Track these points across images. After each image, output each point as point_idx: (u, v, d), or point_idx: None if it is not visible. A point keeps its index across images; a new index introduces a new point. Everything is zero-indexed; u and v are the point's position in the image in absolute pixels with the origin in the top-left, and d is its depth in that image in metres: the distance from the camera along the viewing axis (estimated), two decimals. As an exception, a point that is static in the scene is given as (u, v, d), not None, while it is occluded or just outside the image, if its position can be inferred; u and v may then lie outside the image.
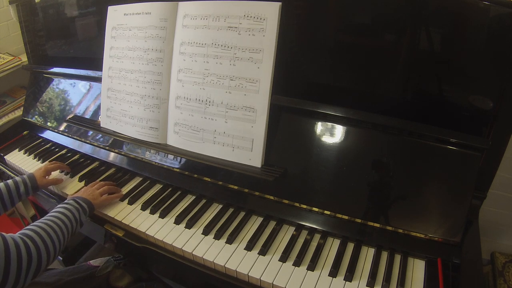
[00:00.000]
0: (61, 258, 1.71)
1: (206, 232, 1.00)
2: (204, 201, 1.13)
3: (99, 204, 1.08)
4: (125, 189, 1.20)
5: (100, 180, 1.25)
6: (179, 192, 1.16)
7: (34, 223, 0.87)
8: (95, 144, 1.35)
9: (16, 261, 0.74)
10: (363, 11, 0.97)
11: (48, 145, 1.50)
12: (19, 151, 1.49)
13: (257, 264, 0.90)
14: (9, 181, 1.10)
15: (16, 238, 0.77)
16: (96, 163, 1.35)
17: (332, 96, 1.03)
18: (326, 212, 0.98)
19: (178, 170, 1.16)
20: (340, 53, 1.03)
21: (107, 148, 1.32)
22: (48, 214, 0.93)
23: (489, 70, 0.89)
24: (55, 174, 1.29)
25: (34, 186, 1.15)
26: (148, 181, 1.22)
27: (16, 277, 0.73)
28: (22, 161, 1.42)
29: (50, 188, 1.26)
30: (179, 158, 1.16)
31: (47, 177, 1.21)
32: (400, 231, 0.91)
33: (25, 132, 1.60)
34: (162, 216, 1.07)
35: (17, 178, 1.13)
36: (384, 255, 0.92)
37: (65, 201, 1.01)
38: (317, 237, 0.98)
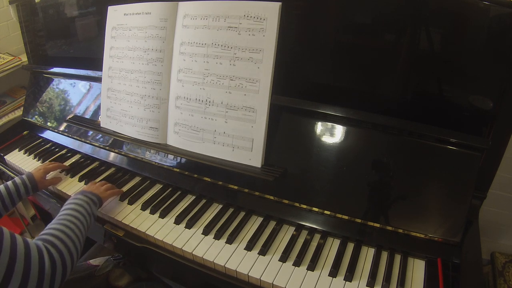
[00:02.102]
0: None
1: (206, 232, 1.00)
2: (204, 201, 1.13)
3: (106, 198, 1.08)
4: (125, 189, 1.19)
5: (100, 180, 1.25)
6: (179, 192, 1.16)
7: (52, 226, 0.84)
8: (95, 144, 1.35)
9: (38, 268, 0.70)
10: (363, 11, 0.97)
11: (48, 145, 1.50)
12: (19, 151, 1.49)
13: (257, 264, 0.90)
14: (9, 183, 1.10)
15: (39, 245, 0.73)
16: (96, 163, 1.35)
17: (332, 96, 1.03)
18: (326, 212, 0.98)
19: (178, 170, 1.16)
20: (340, 53, 1.03)
21: (107, 148, 1.32)
22: (62, 213, 0.90)
23: (489, 70, 0.89)
24: (54, 173, 1.29)
25: (34, 186, 1.15)
26: (148, 181, 1.22)
27: (38, 285, 0.69)
28: (22, 161, 1.42)
29: (50, 188, 1.26)
30: (179, 158, 1.16)
31: (46, 177, 1.21)
32: (400, 231, 0.91)
33: (25, 132, 1.60)
34: (162, 216, 1.07)
35: (17, 180, 1.12)
36: (384, 255, 0.92)
37: (74, 196, 1.00)
38: (317, 237, 0.98)
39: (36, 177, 1.17)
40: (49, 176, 1.24)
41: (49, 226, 0.84)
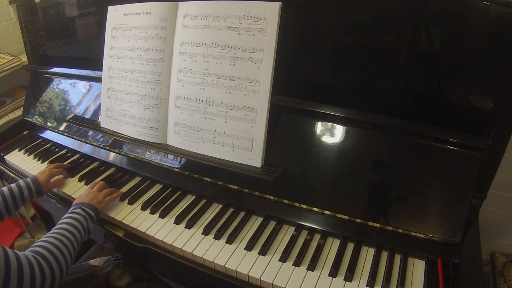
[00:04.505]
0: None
1: (206, 232, 1.00)
2: (204, 201, 1.13)
3: (103, 207, 1.07)
4: (125, 189, 1.20)
5: (100, 180, 1.25)
6: (179, 192, 1.16)
7: (45, 239, 0.85)
8: (95, 144, 1.35)
9: (30, 281, 0.72)
10: (363, 11, 0.97)
11: (48, 145, 1.50)
12: (19, 151, 1.49)
13: (257, 264, 0.90)
14: (13, 185, 1.09)
15: (29, 257, 0.75)
16: (96, 163, 1.35)
17: (332, 96, 1.03)
18: (326, 212, 0.98)
19: (178, 170, 1.16)
20: (340, 53, 1.03)
21: (107, 148, 1.32)
22: (57, 227, 0.91)
23: (489, 70, 0.89)
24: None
25: (38, 190, 1.13)
26: (148, 181, 1.22)
27: None
28: (22, 161, 1.42)
29: (50, 188, 1.25)
30: (179, 158, 1.16)
31: (50, 180, 1.21)
32: (400, 231, 0.91)
33: (25, 132, 1.60)
34: (162, 216, 1.07)
35: (21, 183, 1.11)
36: (384, 255, 0.92)
37: (72, 210, 0.99)
38: (317, 237, 0.98)
39: (41, 180, 1.15)
40: (53, 179, 1.23)
41: (43, 238, 0.86)
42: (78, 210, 0.98)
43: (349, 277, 0.86)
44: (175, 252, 0.98)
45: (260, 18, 0.98)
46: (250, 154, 1.03)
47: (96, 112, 1.38)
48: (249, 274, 0.88)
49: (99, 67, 1.31)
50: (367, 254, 0.93)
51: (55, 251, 0.82)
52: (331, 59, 1.04)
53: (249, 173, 1.02)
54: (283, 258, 0.91)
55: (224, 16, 1.02)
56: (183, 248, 0.96)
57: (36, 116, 1.58)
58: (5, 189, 1.06)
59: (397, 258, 0.91)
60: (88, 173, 1.30)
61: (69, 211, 0.99)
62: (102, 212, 1.07)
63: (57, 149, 1.47)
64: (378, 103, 1.00)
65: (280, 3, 0.95)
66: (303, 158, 1.00)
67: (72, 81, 1.49)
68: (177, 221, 1.04)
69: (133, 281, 1.11)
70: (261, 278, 0.87)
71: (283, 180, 1.01)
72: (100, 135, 1.33)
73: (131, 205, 1.13)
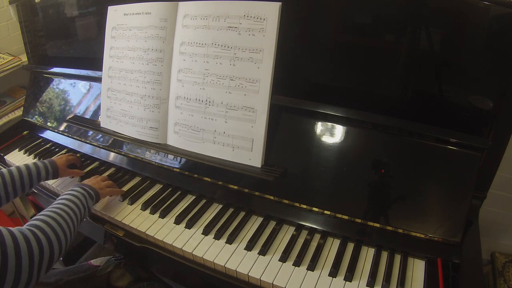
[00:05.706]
0: (61, 258, 1.70)
1: (206, 232, 1.00)
2: (204, 201, 1.13)
3: (104, 194, 1.08)
4: (125, 189, 1.19)
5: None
6: (179, 192, 1.16)
7: (43, 212, 0.82)
8: (95, 144, 1.35)
9: (28, 256, 0.69)
10: (364, 11, 0.97)
11: (48, 145, 1.51)
12: (19, 151, 1.49)
13: (257, 264, 0.91)
14: (30, 164, 1.09)
15: (24, 231, 0.72)
16: (96, 163, 1.36)
17: (332, 96, 1.03)
18: (326, 212, 0.98)
19: (178, 170, 1.16)
20: (340, 53, 1.03)
21: (107, 148, 1.32)
22: (56, 202, 0.90)
23: (489, 70, 0.89)
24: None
25: (54, 172, 1.15)
26: (148, 181, 1.22)
27: (29, 274, 0.69)
28: (22, 161, 1.42)
29: (50, 188, 1.26)
30: (179, 158, 1.16)
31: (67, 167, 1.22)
32: (400, 231, 0.91)
33: (25, 132, 1.60)
34: (162, 216, 1.07)
35: (39, 163, 1.11)
36: (384, 255, 0.92)
37: (71, 188, 1.00)
38: (317, 237, 0.98)
39: (58, 163, 1.17)
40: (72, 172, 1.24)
41: (41, 212, 0.83)
42: (78, 188, 0.99)
43: (349, 277, 0.86)
44: (175, 252, 0.98)
45: (260, 18, 0.98)
46: (250, 154, 1.03)
47: (96, 112, 1.38)
48: (249, 274, 0.88)
49: (99, 67, 1.31)
50: (367, 254, 0.93)
51: (53, 223, 0.79)
52: (331, 59, 1.04)
53: (249, 173, 1.02)
54: (283, 258, 0.91)
55: (224, 16, 1.02)
56: (183, 248, 0.96)
57: (36, 116, 1.58)
58: (22, 166, 1.07)
59: (397, 258, 0.91)
60: (88, 173, 1.30)
61: (69, 188, 1.00)
62: (102, 198, 1.07)
63: (57, 149, 1.47)
64: (378, 103, 1.00)
65: (280, 3, 0.95)
66: (303, 158, 1.00)
67: (72, 81, 1.49)
68: (177, 221, 1.04)
69: (134, 281, 1.11)
70: (261, 278, 0.87)
71: (283, 180, 1.01)
72: (100, 135, 1.33)
73: (131, 205, 1.13)
